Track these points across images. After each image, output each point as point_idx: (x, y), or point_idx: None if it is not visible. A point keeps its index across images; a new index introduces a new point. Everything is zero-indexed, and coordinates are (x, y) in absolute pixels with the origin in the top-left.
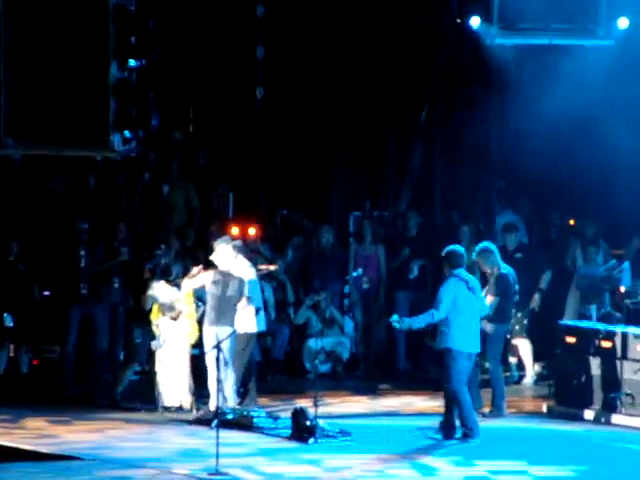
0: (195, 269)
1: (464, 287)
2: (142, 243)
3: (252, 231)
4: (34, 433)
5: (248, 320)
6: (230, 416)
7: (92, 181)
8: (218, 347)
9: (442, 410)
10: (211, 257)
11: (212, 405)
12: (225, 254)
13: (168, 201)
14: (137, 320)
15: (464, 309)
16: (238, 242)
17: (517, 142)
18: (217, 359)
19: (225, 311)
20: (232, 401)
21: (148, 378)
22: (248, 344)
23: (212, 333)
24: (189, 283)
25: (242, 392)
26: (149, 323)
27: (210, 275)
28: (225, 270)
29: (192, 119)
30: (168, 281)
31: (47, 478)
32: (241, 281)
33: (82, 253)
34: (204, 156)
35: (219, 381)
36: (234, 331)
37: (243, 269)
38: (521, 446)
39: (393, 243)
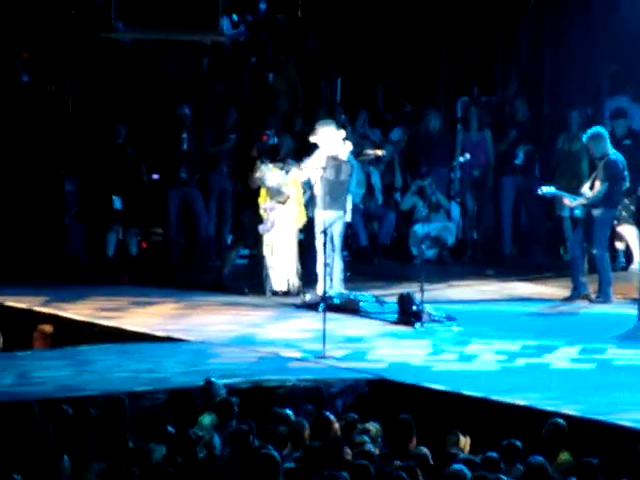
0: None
1: None
2: (250, 129)
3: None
4: (141, 315)
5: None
6: (337, 300)
7: (201, 65)
8: (325, 232)
9: (548, 295)
10: (313, 139)
11: (319, 289)
12: (332, 138)
13: (274, 87)
14: (246, 203)
15: None
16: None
17: (626, 28)
18: (325, 244)
19: (339, 196)
20: (340, 285)
21: (256, 262)
22: None
23: (324, 218)
24: (302, 174)
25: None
26: (257, 207)
27: (321, 160)
28: (334, 154)
29: (300, 3)
30: (276, 165)
31: (154, 357)
32: (352, 165)
33: (184, 137)
34: (312, 40)
35: (326, 265)
36: (344, 215)
37: (345, 153)
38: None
39: (500, 128)
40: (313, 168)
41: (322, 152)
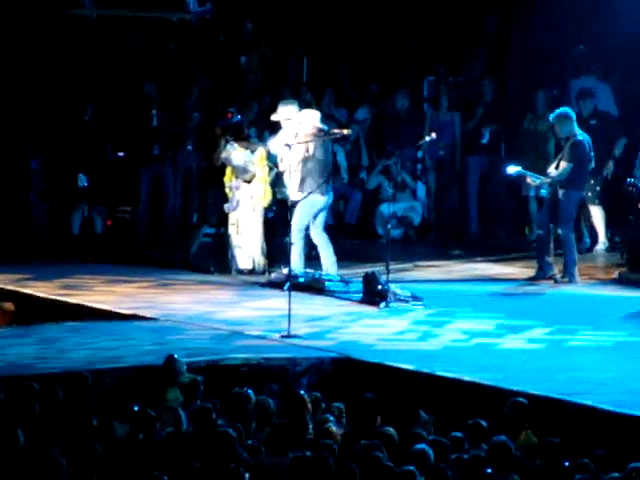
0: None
1: None
2: (215, 106)
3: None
4: (105, 292)
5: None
6: (302, 279)
7: (167, 43)
8: (291, 210)
9: (513, 275)
10: (274, 117)
11: (285, 268)
12: (311, 116)
13: (247, 65)
14: (211, 182)
15: None
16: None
17: (591, 8)
18: (291, 223)
19: (329, 177)
20: (334, 267)
21: (221, 241)
22: None
23: (320, 201)
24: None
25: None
26: (222, 185)
27: (298, 138)
28: (317, 132)
29: None
30: (241, 144)
31: (118, 335)
32: (330, 142)
33: (153, 113)
34: (279, 19)
35: (292, 244)
36: (317, 192)
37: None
38: (590, 312)
39: (467, 108)
40: (300, 144)
41: (287, 131)
